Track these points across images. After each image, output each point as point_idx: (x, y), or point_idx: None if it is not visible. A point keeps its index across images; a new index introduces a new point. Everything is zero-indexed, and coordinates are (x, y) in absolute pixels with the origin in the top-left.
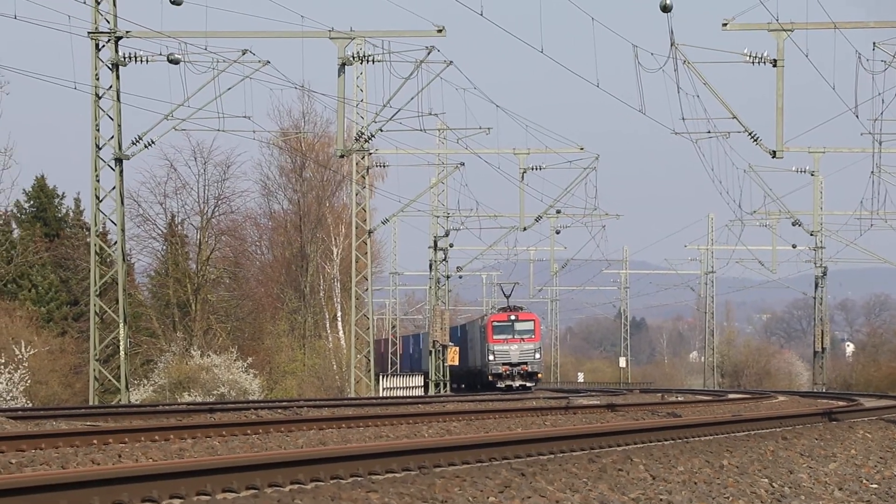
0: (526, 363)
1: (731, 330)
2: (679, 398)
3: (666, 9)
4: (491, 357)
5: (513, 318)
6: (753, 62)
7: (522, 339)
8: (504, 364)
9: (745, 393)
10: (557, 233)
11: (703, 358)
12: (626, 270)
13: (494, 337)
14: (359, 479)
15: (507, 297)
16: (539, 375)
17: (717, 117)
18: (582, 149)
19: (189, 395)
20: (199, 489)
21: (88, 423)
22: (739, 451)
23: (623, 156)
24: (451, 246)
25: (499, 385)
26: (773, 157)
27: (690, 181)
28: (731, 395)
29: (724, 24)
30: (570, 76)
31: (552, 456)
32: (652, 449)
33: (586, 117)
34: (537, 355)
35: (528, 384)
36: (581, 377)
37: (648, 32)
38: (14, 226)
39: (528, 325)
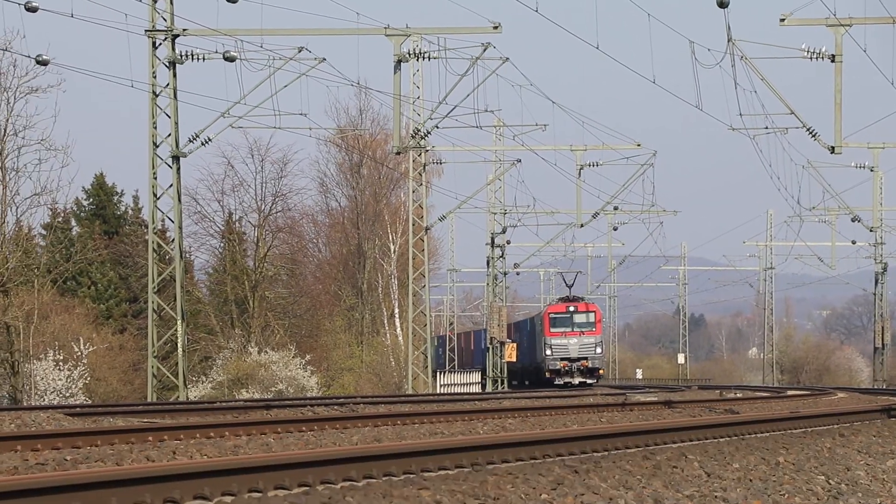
0: (586, 358)
1: (791, 326)
2: (737, 395)
3: (723, 4)
4: (548, 352)
5: (572, 309)
6: (811, 58)
7: (582, 332)
8: (562, 359)
9: (803, 389)
10: (615, 229)
11: (762, 354)
12: (685, 267)
13: (552, 330)
14: (411, 476)
15: (570, 286)
16: (600, 372)
17: (775, 113)
18: (639, 145)
19: (247, 391)
20: (250, 486)
21: (145, 420)
22: (796, 448)
23: (680, 152)
24: (509, 242)
25: (557, 382)
26: (831, 153)
27: (748, 177)
28: (789, 392)
29: (782, 20)
30: (627, 72)
31: (606, 453)
32: (707, 446)
33: (643, 113)
34: (598, 350)
35: (589, 381)
36: (639, 374)
37: (705, 28)
38: (73, 223)
39: (589, 318)
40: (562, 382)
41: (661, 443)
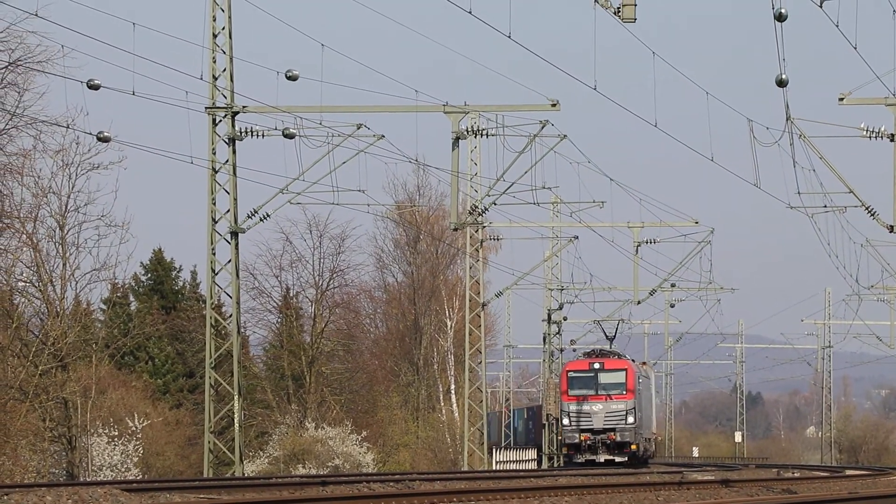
0: (613, 430)
1: (849, 405)
2: (795, 474)
3: (782, 83)
4: (566, 421)
5: (596, 366)
6: (870, 136)
7: (609, 395)
8: (583, 431)
9: (862, 469)
10: (672, 306)
11: (820, 433)
12: (742, 344)
13: (570, 393)
14: None
15: (611, 339)
16: (635, 447)
17: (834, 192)
18: (697, 222)
19: (303, 467)
20: None
21: (202, 496)
22: None
23: (738, 229)
24: (565, 319)
25: (577, 460)
26: (890, 232)
27: (806, 255)
28: (848, 472)
29: (841, 99)
30: (685, 150)
31: None
32: None
33: (701, 191)
34: (630, 419)
35: (618, 459)
36: (696, 452)
37: (764, 106)
38: (132, 298)
39: (617, 377)
40: (582, 460)
41: None
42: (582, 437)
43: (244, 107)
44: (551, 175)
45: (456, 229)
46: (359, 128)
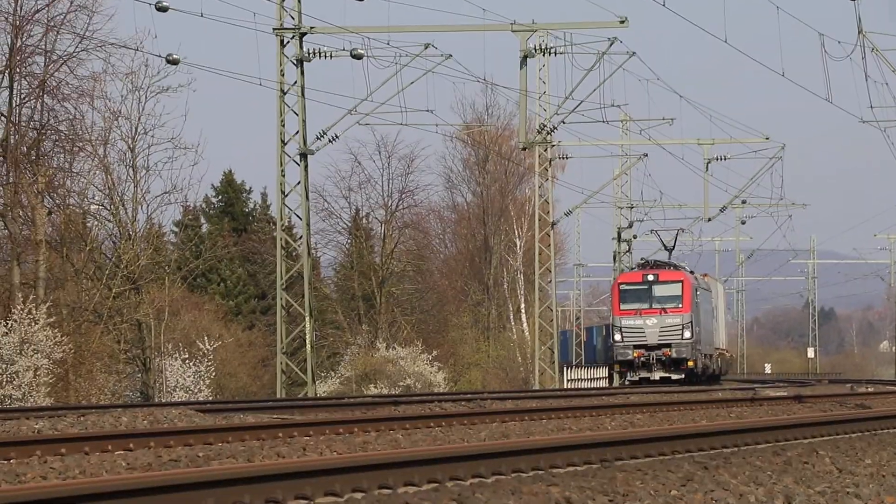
0: (669, 345)
1: None
2: (869, 389)
3: None
4: (617, 337)
5: (650, 278)
6: None
7: (664, 309)
8: (637, 347)
9: None
10: (743, 223)
11: (893, 348)
12: (814, 260)
13: (622, 307)
14: (539, 472)
15: (670, 249)
16: (692, 364)
17: None
18: (767, 138)
19: (375, 387)
20: (380, 483)
21: (275, 417)
22: None
23: (809, 145)
24: (635, 237)
25: (630, 378)
26: None
27: (879, 169)
28: None
29: None
30: (755, 65)
31: (736, 449)
32: (839, 442)
33: (772, 106)
34: (687, 334)
35: (675, 377)
36: (768, 368)
37: (835, 20)
38: (203, 221)
39: (673, 290)
40: (636, 378)
41: (792, 438)
42: (635, 354)
43: (312, 27)
44: (620, 93)
45: (525, 148)
46: (426, 47)
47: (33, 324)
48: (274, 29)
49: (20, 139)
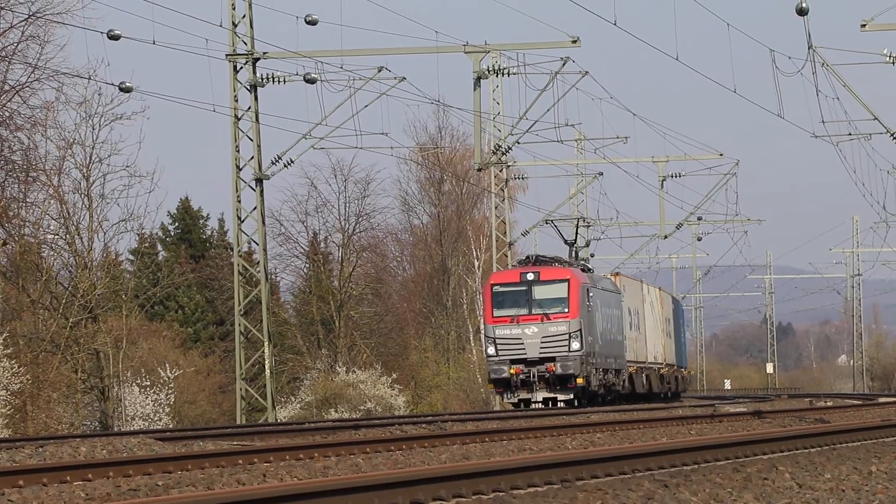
0: (553, 359)
1: (880, 333)
2: (827, 403)
3: (802, 12)
4: (490, 350)
5: (529, 277)
6: (893, 62)
7: (546, 314)
8: (514, 362)
9: (895, 396)
10: (699, 239)
11: (851, 362)
12: (770, 275)
13: (496, 313)
14: (500, 494)
15: (570, 243)
16: (582, 381)
17: (858, 119)
18: (721, 155)
19: (336, 411)
20: None
21: (235, 443)
22: (889, 457)
23: (763, 160)
24: (593, 256)
25: (507, 400)
26: None
27: (832, 184)
28: (881, 399)
29: (863, 25)
30: (707, 82)
31: (696, 466)
32: (798, 456)
33: (724, 123)
34: (575, 344)
35: (563, 397)
36: (728, 384)
37: (785, 36)
38: (160, 248)
39: (557, 290)
40: (514, 400)
41: (752, 454)
42: (512, 370)
43: (265, 53)
44: (574, 112)
45: (480, 169)
46: (380, 71)
47: None
48: (227, 55)
49: None
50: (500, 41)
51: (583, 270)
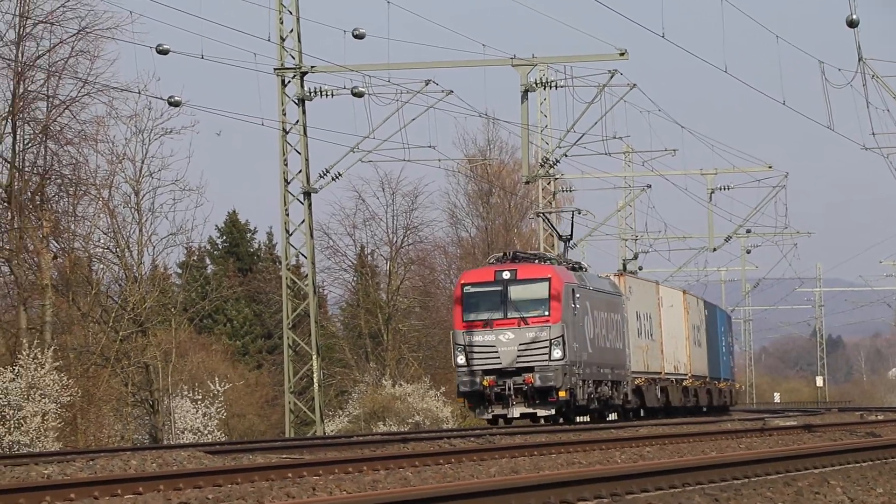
0: (531, 369)
1: None
2: (879, 417)
3: (853, 24)
4: (460, 359)
5: (505, 275)
6: None
7: (524, 318)
8: (487, 373)
9: None
10: (748, 252)
11: None
12: (820, 288)
13: (467, 318)
14: None
15: (565, 239)
16: (565, 394)
17: None
18: (770, 167)
19: (384, 424)
20: None
21: (284, 456)
22: None
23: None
24: (641, 269)
25: (480, 416)
26: None
27: (883, 196)
28: None
29: None
30: (756, 94)
31: (746, 480)
32: (850, 471)
33: (774, 135)
34: (557, 352)
35: (543, 413)
36: (777, 398)
37: (835, 48)
38: (208, 262)
39: (536, 291)
40: (488, 416)
41: (802, 468)
42: (486, 382)
43: (312, 67)
44: (622, 124)
45: (528, 182)
46: (427, 84)
47: (40, 368)
48: (275, 69)
49: (24, 184)
50: (548, 54)
51: (574, 269)
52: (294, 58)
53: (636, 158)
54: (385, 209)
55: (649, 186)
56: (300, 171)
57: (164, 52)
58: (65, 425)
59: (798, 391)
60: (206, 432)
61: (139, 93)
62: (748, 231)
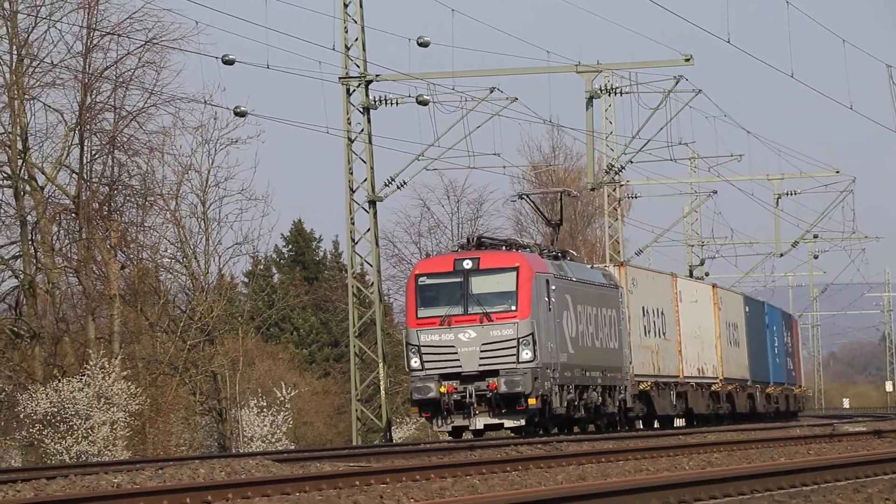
0: (496, 373)
1: None
2: None
3: None
4: (414, 361)
5: (466, 264)
6: None
7: (487, 314)
8: (445, 377)
9: None
10: (815, 257)
11: None
12: (889, 293)
13: (421, 314)
14: None
15: (554, 224)
16: (535, 402)
17: None
18: (837, 172)
19: None
20: None
21: (352, 464)
22: None
23: (881, 177)
24: (707, 275)
25: (439, 428)
26: None
27: None
28: None
29: None
30: (823, 99)
31: (816, 486)
32: None
33: (841, 140)
34: (526, 353)
35: (511, 423)
36: (846, 403)
37: None
38: (274, 271)
39: (501, 282)
40: (447, 428)
41: (872, 474)
42: (444, 388)
43: (377, 75)
44: (687, 130)
45: (593, 189)
46: (492, 91)
47: (108, 378)
48: (340, 78)
49: (92, 195)
50: (612, 60)
51: (556, 257)
52: (359, 66)
53: (702, 164)
54: (450, 217)
55: (715, 192)
56: (365, 180)
57: (229, 63)
58: (133, 434)
59: (867, 396)
60: (273, 440)
61: (205, 103)
62: (815, 236)
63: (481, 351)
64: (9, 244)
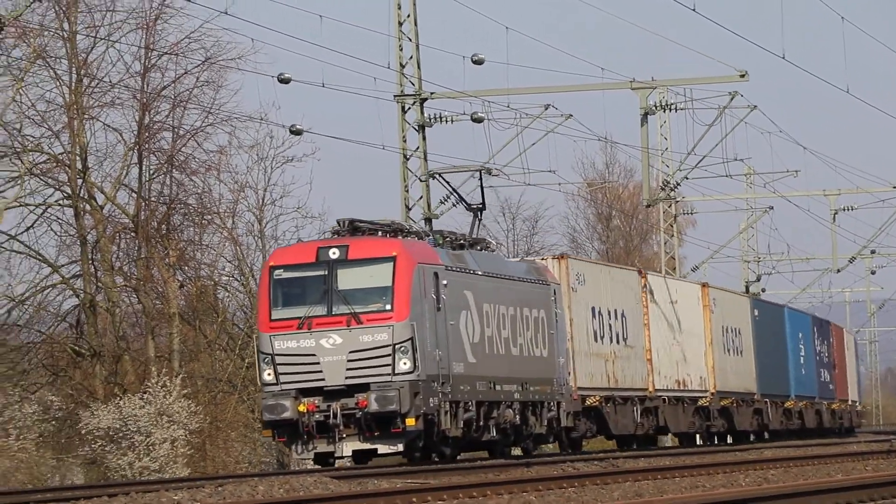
0: (366, 388)
1: None
2: None
3: None
4: (266, 374)
5: (332, 254)
6: None
7: (355, 315)
8: (305, 392)
9: None
10: (873, 273)
11: None
12: None
13: (276, 315)
14: None
15: (477, 208)
16: (413, 422)
17: None
18: (895, 187)
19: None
20: None
21: (409, 481)
22: None
23: None
24: (764, 290)
25: (299, 455)
26: None
27: None
28: None
29: None
30: (879, 114)
31: (872, 503)
32: None
33: None
34: (403, 363)
35: (386, 448)
36: None
37: None
38: None
39: (375, 275)
40: (308, 455)
41: None
42: (302, 407)
43: (432, 93)
44: (743, 146)
45: (649, 206)
46: (546, 108)
47: (168, 395)
48: (395, 96)
49: (150, 214)
50: (667, 76)
51: (461, 247)
52: (414, 84)
53: (757, 180)
54: (506, 234)
55: (771, 208)
56: (421, 197)
57: (285, 81)
58: (194, 452)
59: None
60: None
61: (261, 121)
62: (873, 251)
63: (349, 360)
64: (69, 263)
